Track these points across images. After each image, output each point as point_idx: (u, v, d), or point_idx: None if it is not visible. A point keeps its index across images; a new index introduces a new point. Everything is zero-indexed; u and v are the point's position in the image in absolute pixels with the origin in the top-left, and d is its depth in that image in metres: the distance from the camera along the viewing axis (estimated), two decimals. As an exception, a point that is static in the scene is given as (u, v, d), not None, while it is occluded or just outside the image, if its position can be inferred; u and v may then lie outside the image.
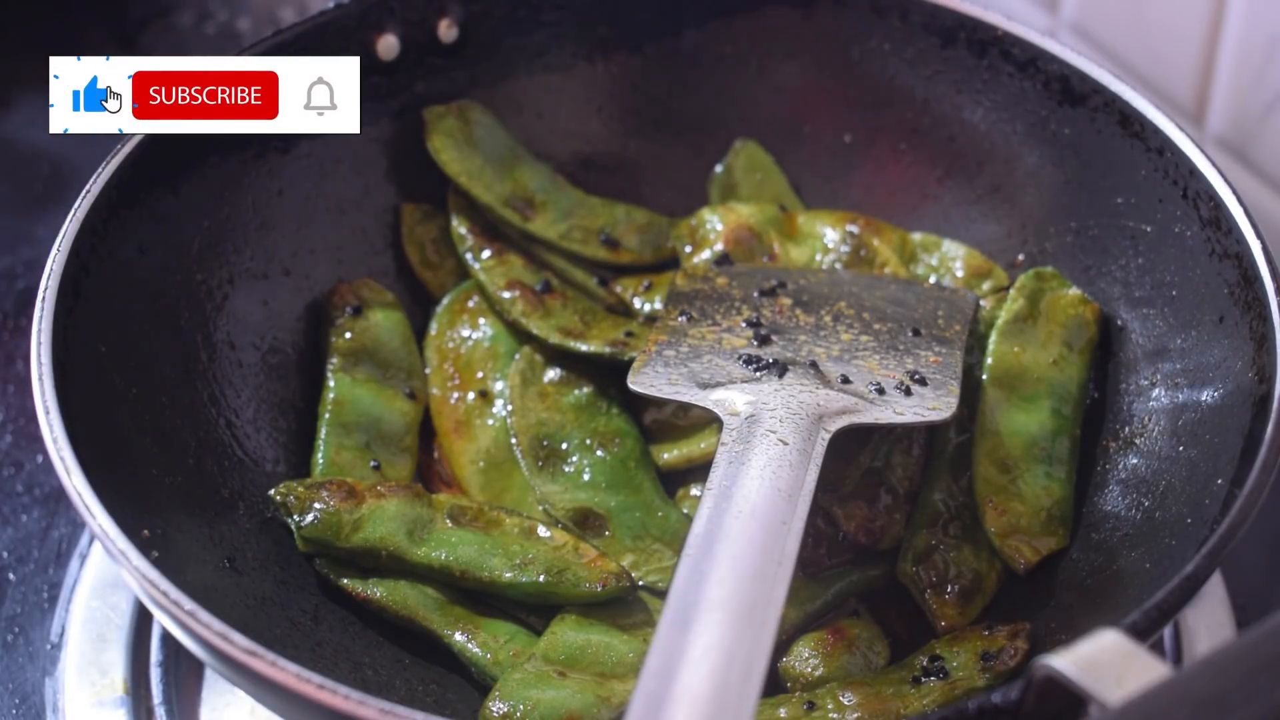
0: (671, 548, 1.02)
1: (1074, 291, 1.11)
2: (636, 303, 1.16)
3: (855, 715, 0.92)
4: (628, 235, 1.19)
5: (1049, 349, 1.08)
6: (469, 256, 1.16)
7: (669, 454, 1.08)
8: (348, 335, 1.11)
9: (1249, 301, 0.96)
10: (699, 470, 1.07)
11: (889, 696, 0.93)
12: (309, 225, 1.13)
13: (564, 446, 1.07)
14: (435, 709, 0.90)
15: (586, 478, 1.06)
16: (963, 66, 1.16)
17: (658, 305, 1.14)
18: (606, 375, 1.11)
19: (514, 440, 1.08)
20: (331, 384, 1.08)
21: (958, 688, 0.93)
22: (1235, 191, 1.00)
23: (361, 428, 1.07)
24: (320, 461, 1.05)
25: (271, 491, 1.00)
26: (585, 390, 1.10)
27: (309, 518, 0.98)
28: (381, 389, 1.10)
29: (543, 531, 1.01)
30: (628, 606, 0.99)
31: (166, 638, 1.06)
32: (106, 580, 1.10)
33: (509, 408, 1.09)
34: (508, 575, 0.97)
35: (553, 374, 1.11)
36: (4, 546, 1.17)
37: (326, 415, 1.07)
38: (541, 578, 0.97)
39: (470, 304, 1.16)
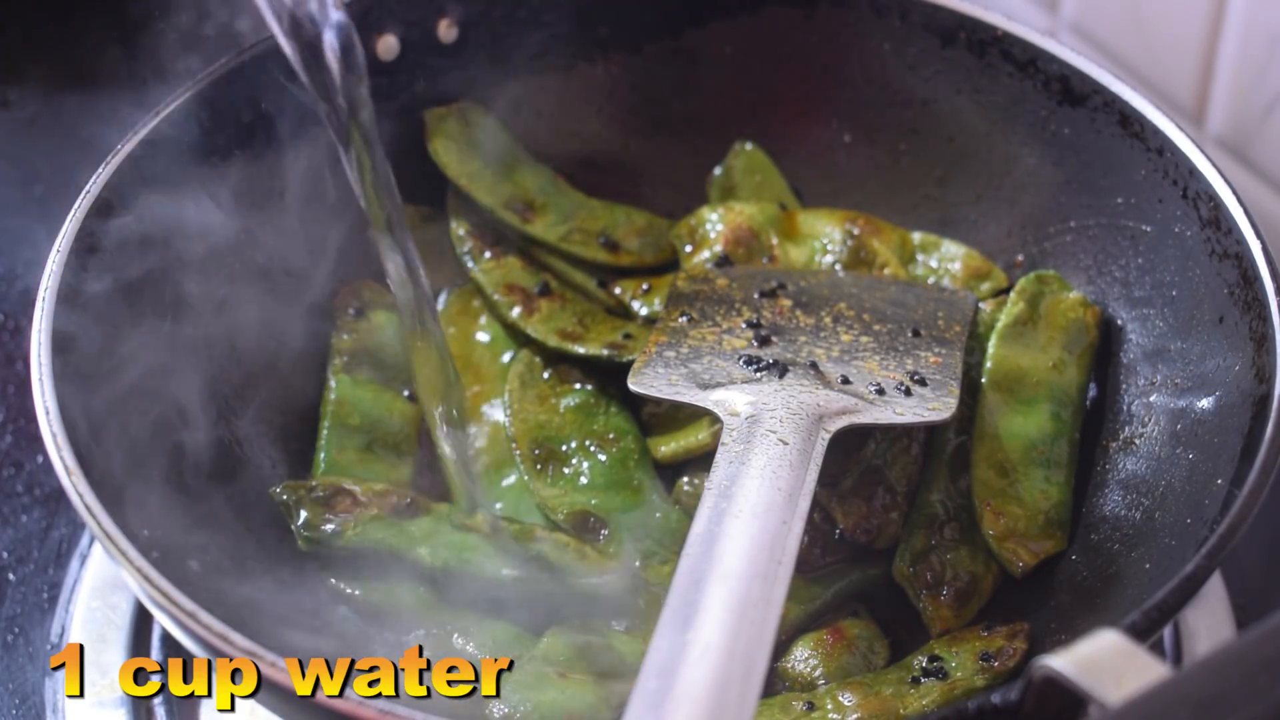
0: (671, 548, 1.02)
1: (1074, 295, 1.10)
2: (635, 305, 1.15)
3: (855, 716, 0.92)
4: (628, 237, 1.19)
5: (1049, 353, 1.08)
6: (468, 259, 1.16)
7: (666, 447, 1.08)
8: (349, 336, 1.10)
9: (1249, 301, 0.96)
10: (696, 462, 1.07)
11: (888, 697, 0.93)
12: (309, 226, 1.13)
13: (563, 449, 1.07)
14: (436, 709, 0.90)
15: (585, 480, 1.06)
16: (963, 66, 1.16)
17: (657, 307, 1.14)
18: (605, 376, 1.11)
19: (512, 444, 1.08)
20: (333, 384, 1.08)
21: (957, 688, 0.93)
22: (1235, 191, 1.00)
23: (363, 429, 1.07)
24: (322, 462, 1.05)
25: (272, 490, 1.00)
26: (584, 392, 1.10)
27: (309, 518, 0.98)
28: (383, 390, 1.10)
29: (544, 532, 1.01)
30: (627, 607, 0.99)
31: (166, 638, 1.06)
32: (106, 580, 1.10)
33: (507, 410, 1.09)
34: (509, 575, 0.97)
35: (551, 376, 1.11)
36: (4, 546, 1.17)
37: (328, 416, 1.07)
38: (545, 575, 0.97)
39: (469, 306, 1.16)
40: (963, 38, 1.15)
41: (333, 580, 0.98)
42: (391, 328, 1.12)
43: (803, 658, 0.97)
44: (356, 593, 0.97)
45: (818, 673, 0.96)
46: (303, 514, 0.98)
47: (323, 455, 1.05)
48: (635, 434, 1.08)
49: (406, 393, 1.10)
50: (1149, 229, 1.07)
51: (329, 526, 0.98)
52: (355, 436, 1.07)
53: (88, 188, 0.99)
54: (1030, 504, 1.02)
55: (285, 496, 0.99)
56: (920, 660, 0.96)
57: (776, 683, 0.97)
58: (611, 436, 1.07)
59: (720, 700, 0.72)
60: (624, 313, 1.16)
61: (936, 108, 1.18)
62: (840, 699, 0.93)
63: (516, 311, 1.13)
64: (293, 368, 1.10)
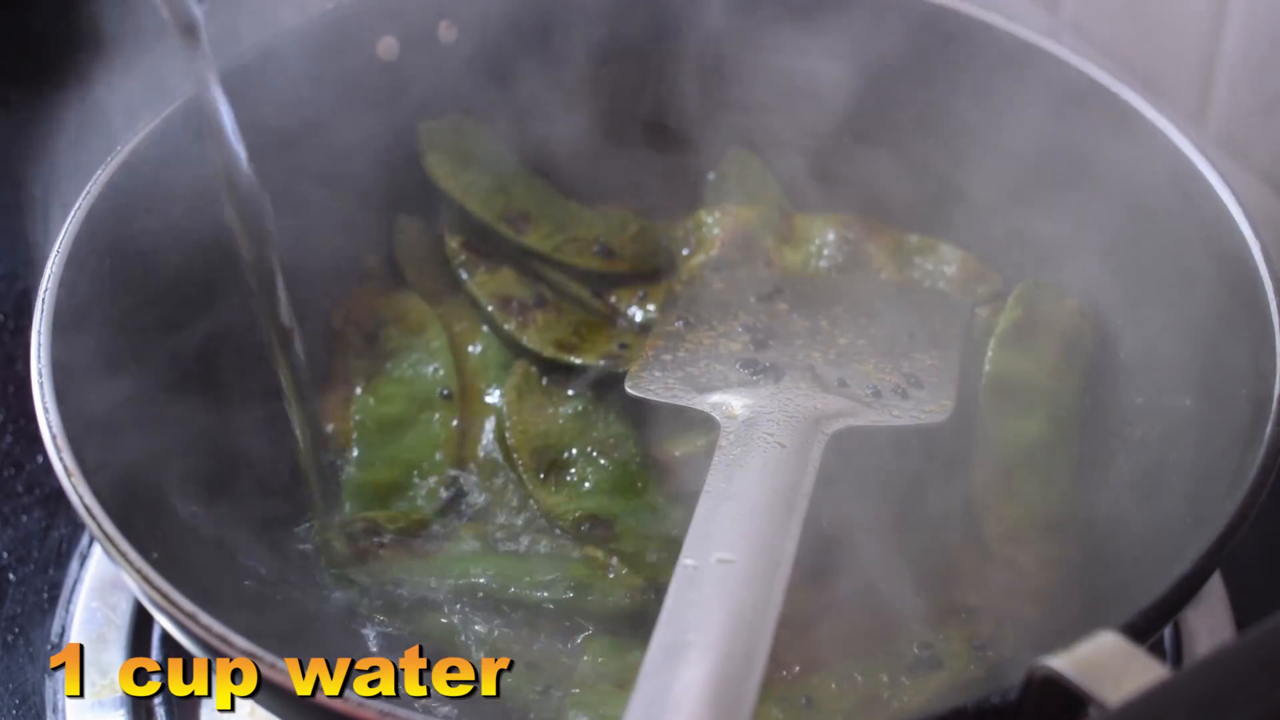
0: (676, 548, 1.02)
1: (1072, 300, 1.10)
2: (631, 313, 1.15)
3: (854, 712, 0.92)
4: (622, 244, 1.19)
5: (1047, 358, 1.08)
6: (462, 271, 1.16)
7: (666, 451, 1.08)
8: (361, 347, 1.10)
9: (1249, 301, 0.96)
10: (699, 463, 1.07)
11: (886, 689, 0.93)
12: (305, 235, 1.12)
13: (564, 457, 1.07)
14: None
15: (589, 486, 1.05)
16: (963, 66, 1.16)
17: (652, 315, 1.14)
18: (602, 384, 1.10)
19: (514, 455, 1.07)
20: (357, 391, 1.08)
21: (956, 678, 0.93)
22: (1235, 192, 1.00)
23: (384, 439, 1.07)
24: (344, 476, 1.05)
25: (302, 529, 1.00)
26: (582, 399, 1.10)
27: (338, 556, 0.98)
28: (406, 397, 1.09)
29: (570, 550, 1.01)
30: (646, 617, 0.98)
31: (166, 638, 1.06)
32: (106, 580, 1.10)
33: (507, 422, 1.09)
34: (537, 594, 0.97)
35: (548, 386, 1.10)
36: (4, 546, 1.17)
37: (350, 429, 1.07)
38: (570, 594, 0.97)
39: (464, 317, 1.15)
40: (963, 38, 1.15)
41: (361, 613, 0.98)
42: (404, 333, 1.12)
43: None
44: (381, 622, 0.97)
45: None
46: (331, 554, 0.98)
47: (348, 470, 1.05)
48: (635, 438, 1.08)
49: (443, 392, 1.10)
50: (1149, 229, 1.07)
51: (361, 568, 0.98)
52: (379, 448, 1.06)
53: (87, 188, 0.99)
54: (1030, 506, 1.02)
55: (315, 535, 0.99)
56: (912, 650, 0.95)
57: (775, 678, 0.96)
58: (611, 442, 1.07)
59: (719, 702, 0.72)
60: (620, 322, 1.16)
61: (936, 108, 1.18)
62: (838, 694, 0.92)
63: (512, 322, 1.13)
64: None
